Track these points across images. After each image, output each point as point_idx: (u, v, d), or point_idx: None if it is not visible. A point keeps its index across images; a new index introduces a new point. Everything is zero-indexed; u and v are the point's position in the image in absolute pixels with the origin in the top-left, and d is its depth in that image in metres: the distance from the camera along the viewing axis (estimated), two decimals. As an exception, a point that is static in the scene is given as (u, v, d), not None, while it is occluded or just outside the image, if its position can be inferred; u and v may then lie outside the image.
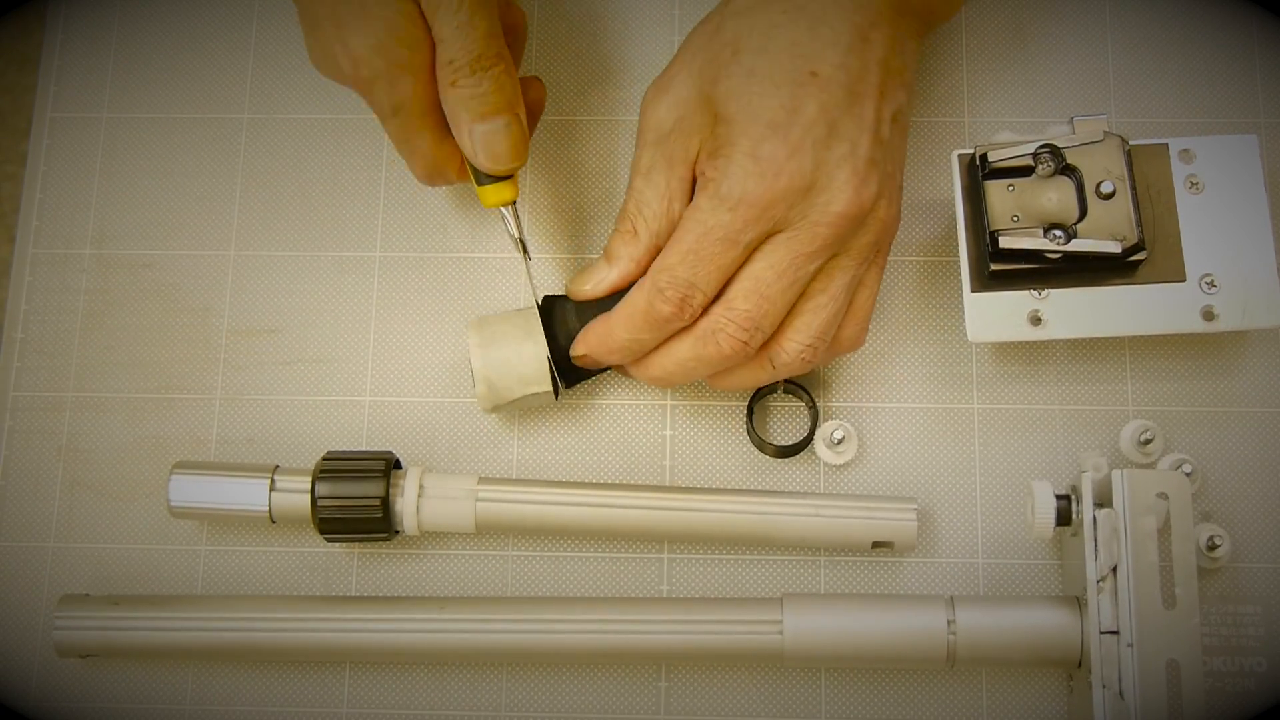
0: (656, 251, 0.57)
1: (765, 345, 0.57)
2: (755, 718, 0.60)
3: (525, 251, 0.60)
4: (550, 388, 0.59)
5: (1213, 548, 0.59)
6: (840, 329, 0.58)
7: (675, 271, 0.55)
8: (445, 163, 0.59)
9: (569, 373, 0.60)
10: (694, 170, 0.56)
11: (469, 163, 0.58)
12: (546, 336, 0.59)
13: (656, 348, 0.57)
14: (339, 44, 0.55)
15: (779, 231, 0.55)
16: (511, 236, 0.60)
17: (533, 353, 0.59)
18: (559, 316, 0.60)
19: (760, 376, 0.58)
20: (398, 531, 0.60)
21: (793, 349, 0.56)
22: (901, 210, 0.58)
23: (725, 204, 0.54)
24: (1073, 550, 0.58)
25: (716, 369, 0.57)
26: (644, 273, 0.57)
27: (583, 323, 0.59)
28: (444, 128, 0.57)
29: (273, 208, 0.66)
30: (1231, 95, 0.66)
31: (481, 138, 0.56)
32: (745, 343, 0.55)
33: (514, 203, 0.59)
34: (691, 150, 0.56)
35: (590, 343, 0.58)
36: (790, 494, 0.61)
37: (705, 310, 0.56)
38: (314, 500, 0.59)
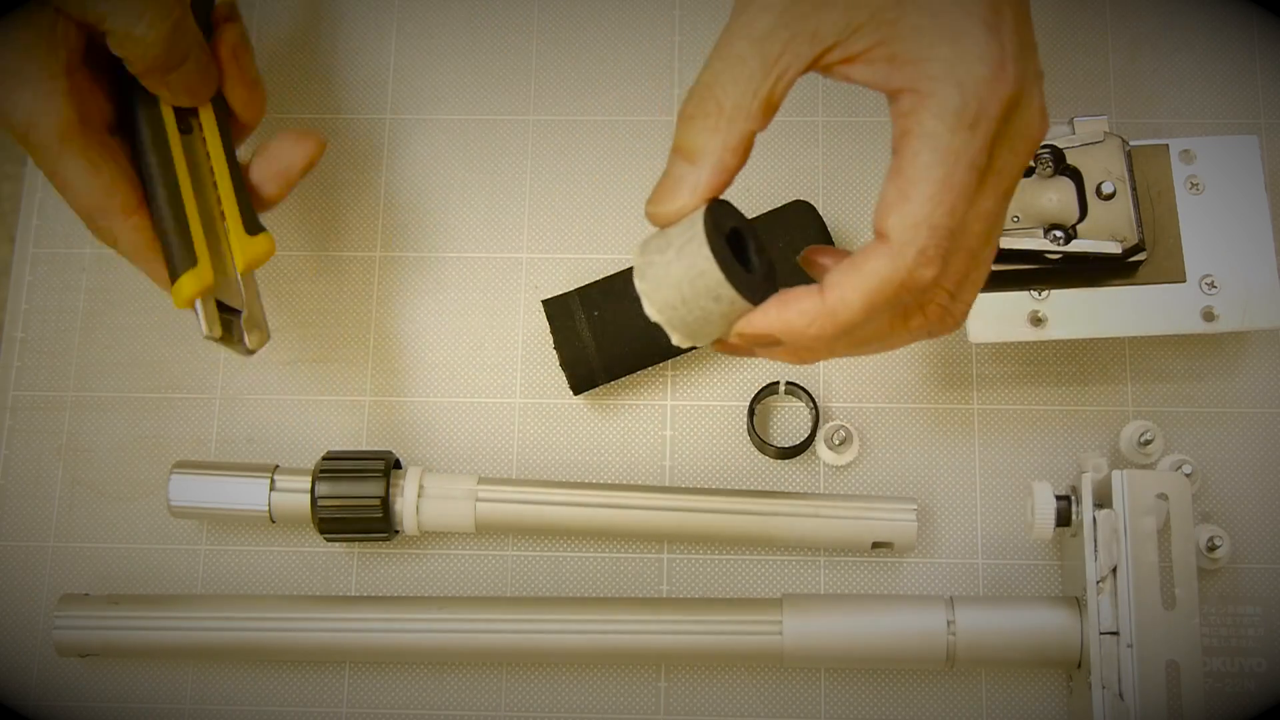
0: (752, 140, 0.45)
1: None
2: (755, 718, 0.60)
3: (225, 333, 0.54)
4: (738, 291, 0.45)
5: (1213, 548, 0.59)
6: None
7: (935, 220, 0.43)
8: (105, 198, 0.52)
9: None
10: (819, 58, 0.44)
11: (162, 245, 0.54)
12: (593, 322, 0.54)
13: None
14: None
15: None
16: (206, 335, 0.54)
17: (694, 263, 0.45)
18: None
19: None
20: (397, 531, 0.60)
21: (961, 311, 0.47)
22: None
23: (964, 120, 0.42)
24: (1072, 551, 0.58)
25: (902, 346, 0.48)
26: (741, 165, 0.45)
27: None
28: (99, 151, 0.52)
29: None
30: (1232, 96, 0.65)
31: (171, 83, 0.52)
32: (960, 321, 0.46)
33: (205, 293, 0.54)
34: (829, 29, 0.44)
35: (792, 322, 0.45)
36: (790, 494, 0.61)
37: None
38: (314, 500, 0.59)
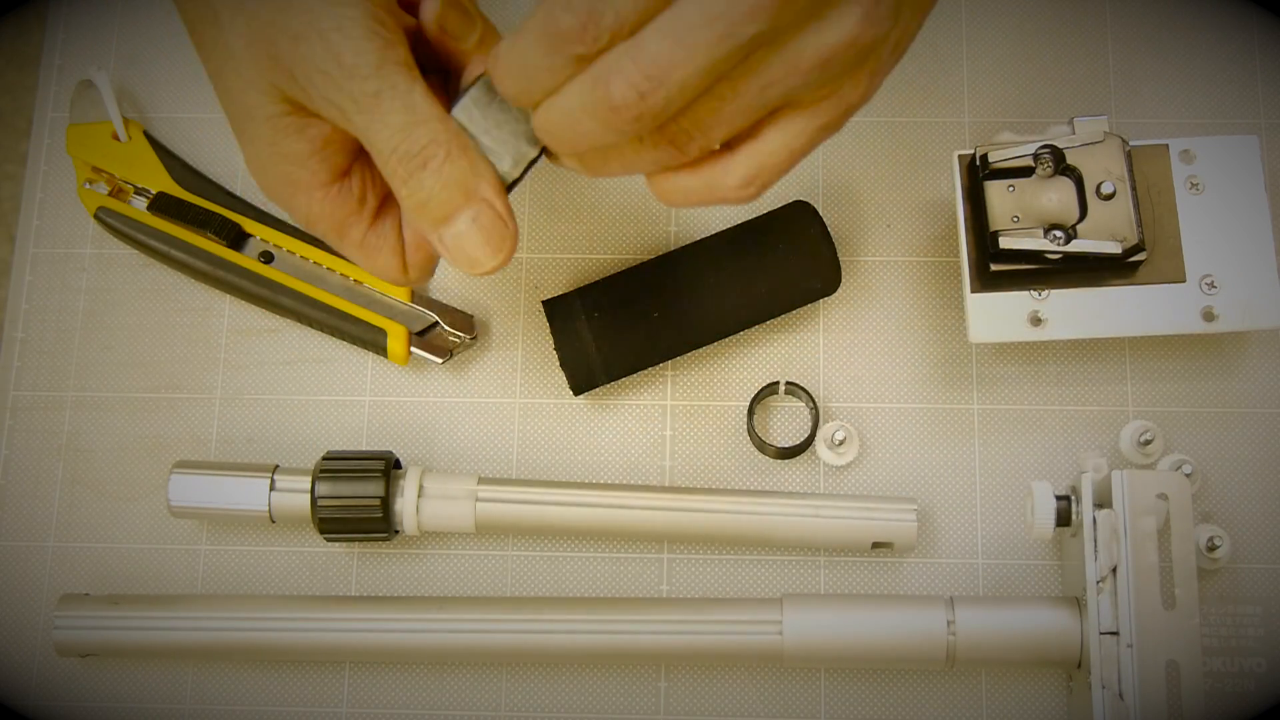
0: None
1: (708, 156, 0.45)
2: (755, 718, 0.60)
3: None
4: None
5: (1213, 548, 0.59)
6: None
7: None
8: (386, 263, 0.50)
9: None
10: None
11: None
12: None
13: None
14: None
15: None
16: (442, 363, 0.62)
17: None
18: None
19: (695, 185, 0.46)
20: (397, 531, 0.60)
21: (738, 175, 0.45)
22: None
23: None
24: (1072, 551, 0.58)
25: (612, 134, 0.43)
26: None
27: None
28: (376, 232, 0.49)
29: (274, 207, 0.66)
30: (1232, 96, 0.65)
31: (451, 243, 0.46)
32: (642, 96, 0.41)
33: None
34: None
35: (497, 57, 0.43)
36: (790, 494, 0.61)
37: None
38: (314, 500, 0.59)
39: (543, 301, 0.62)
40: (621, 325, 0.61)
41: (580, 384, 0.61)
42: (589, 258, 0.65)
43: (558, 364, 0.62)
